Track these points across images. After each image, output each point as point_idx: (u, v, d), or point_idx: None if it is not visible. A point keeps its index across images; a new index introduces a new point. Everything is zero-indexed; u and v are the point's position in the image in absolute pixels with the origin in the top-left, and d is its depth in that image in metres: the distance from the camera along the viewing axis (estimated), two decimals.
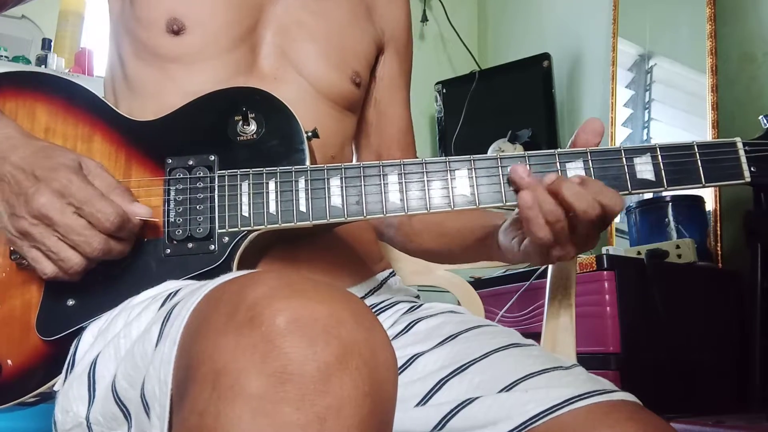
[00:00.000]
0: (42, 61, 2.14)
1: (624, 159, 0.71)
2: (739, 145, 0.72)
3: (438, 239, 0.92)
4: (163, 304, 0.61)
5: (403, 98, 1.02)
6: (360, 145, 1.01)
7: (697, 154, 0.72)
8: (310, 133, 0.75)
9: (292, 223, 0.70)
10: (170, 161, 0.73)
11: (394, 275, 0.94)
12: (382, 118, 0.99)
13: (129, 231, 0.67)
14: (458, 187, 0.71)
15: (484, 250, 0.85)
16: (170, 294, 0.63)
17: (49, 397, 0.70)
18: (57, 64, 2.15)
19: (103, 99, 0.78)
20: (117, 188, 0.68)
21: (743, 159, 0.72)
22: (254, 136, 0.75)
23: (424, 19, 2.90)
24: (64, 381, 0.66)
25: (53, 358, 0.69)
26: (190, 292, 0.56)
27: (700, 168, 0.71)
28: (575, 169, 0.71)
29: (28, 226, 0.63)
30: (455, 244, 0.89)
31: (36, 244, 0.64)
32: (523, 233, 0.73)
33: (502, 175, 0.71)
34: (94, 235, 0.64)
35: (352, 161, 0.93)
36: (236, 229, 0.71)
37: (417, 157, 0.99)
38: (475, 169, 0.72)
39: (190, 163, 0.73)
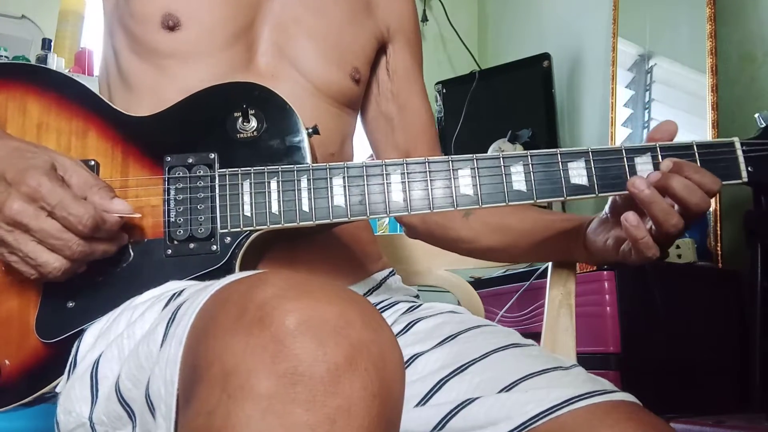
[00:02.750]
0: (42, 61, 2.15)
1: (625, 159, 0.71)
2: (737, 144, 0.72)
3: (501, 236, 0.90)
4: (167, 304, 0.61)
5: (420, 89, 0.99)
6: (382, 144, 0.98)
7: (696, 153, 0.72)
8: (310, 130, 0.74)
9: (295, 223, 0.70)
10: (169, 159, 0.72)
11: (393, 274, 0.93)
12: (404, 111, 0.97)
13: (108, 231, 0.65)
14: (461, 187, 0.71)
15: (562, 247, 0.85)
16: (174, 294, 0.62)
17: (50, 397, 0.69)
18: (57, 64, 2.15)
19: (97, 93, 0.76)
20: (94, 186, 0.64)
21: (741, 159, 0.72)
22: (254, 133, 0.73)
23: (424, 19, 2.90)
24: (66, 382, 0.65)
25: (53, 361, 0.68)
26: (196, 292, 0.56)
27: None
28: (577, 168, 0.71)
29: (4, 233, 0.61)
30: (522, 241, 0.89)
31: (13, 251, 0.62)
32: (616, 235, 0.75)
33: (505, 174, 0.71)
34: (71, 237, 0.62)
35: (352, 159, 0.92)
36: (238, 229, 0.70)
37: (441, 153, 0.98)
38: (478, 168, 0.71)
39: (190, 161, 0.72)
